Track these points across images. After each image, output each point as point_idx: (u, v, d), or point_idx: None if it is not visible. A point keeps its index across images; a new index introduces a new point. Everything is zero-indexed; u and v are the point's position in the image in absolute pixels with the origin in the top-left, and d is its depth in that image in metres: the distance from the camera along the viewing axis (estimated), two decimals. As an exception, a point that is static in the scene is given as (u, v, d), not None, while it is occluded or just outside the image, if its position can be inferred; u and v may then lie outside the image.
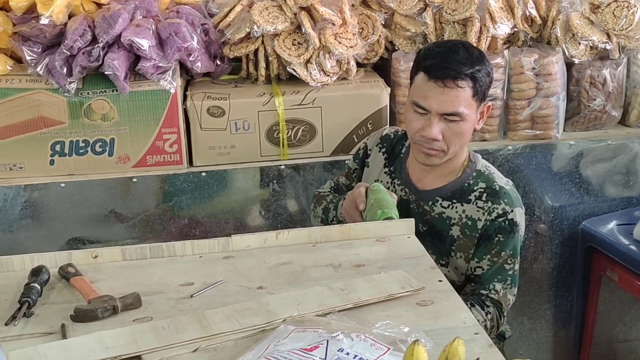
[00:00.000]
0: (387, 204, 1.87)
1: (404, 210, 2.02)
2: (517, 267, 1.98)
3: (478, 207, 1.96)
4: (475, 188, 1.98)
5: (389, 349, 1.25)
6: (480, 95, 1.91)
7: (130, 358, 1.28)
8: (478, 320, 1.80)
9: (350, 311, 1.42)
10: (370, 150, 2.17)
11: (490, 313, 1.92)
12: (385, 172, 2.11)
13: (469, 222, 1.97)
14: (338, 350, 1.22)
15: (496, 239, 1.95)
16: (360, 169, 2.19)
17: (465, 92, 1.87)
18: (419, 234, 1.97)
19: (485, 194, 1.97)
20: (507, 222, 1.94)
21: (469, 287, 1.99)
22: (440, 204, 2.00)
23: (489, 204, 1.95)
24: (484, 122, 2.49)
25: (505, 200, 1.95)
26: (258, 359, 1.22)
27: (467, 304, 1.52)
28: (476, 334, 1.35)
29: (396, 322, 1.33)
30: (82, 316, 1.41)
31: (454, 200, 1.99)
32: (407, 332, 1.29)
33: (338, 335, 1.26)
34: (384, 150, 2.13)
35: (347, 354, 1.22)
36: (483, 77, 1.90)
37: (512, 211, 1.94)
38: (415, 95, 1.93)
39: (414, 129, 1.94)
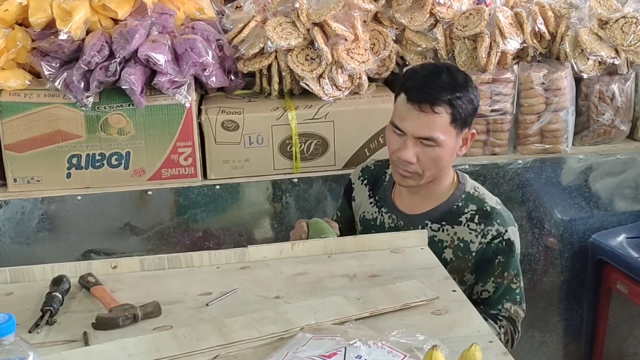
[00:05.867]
0: (325, 230, 1.93)
1: None
2: (522, 284, 1.98)
3: (470, 229, 1.95)
4: (466, 210, 1.97)
5: (405, 356, 1.27)
6: (459, 122, 1.88)
7: (152, 365, 1.30)
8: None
9: (366, 320, 1.44)
10: (353, 184, 2.19)
11: (503, 327, 1.92)
12: (370, 203, 2.11)
13: (462, 244, 1.96)
14: (356, 357, 1.24)
15: (497, 260, 1.94)
16: (349, 205, 2.21)
17: (442, 117, 1.85)
18: None
19: (477, 216, 1.96)
20: (504, 243, 1.93)
21: (478, 310, 1.99)
22: (430, 227, 1.98)
23: (482, 225, 1.94)
24: (494, 137, 2.55)
25: (498, 220, 1.94)
26: (278, 366, 1.25)
27: None
28: (490, 342, 1.37)
29: (412, 331, 1.35)
30: (104, 324, 1.44)
31: (444, 223, 1.98)
32: (422, 340, 1.31)
33: (355, 342, 1.28)
34: (365, 182, 2.15)
35: (365, 360, 1.24)
36: (464, 104, 1.87)
37: (506, 231, 1.94)
38: (394, 116, 1.93)
39: (391, 149, 1.95)
